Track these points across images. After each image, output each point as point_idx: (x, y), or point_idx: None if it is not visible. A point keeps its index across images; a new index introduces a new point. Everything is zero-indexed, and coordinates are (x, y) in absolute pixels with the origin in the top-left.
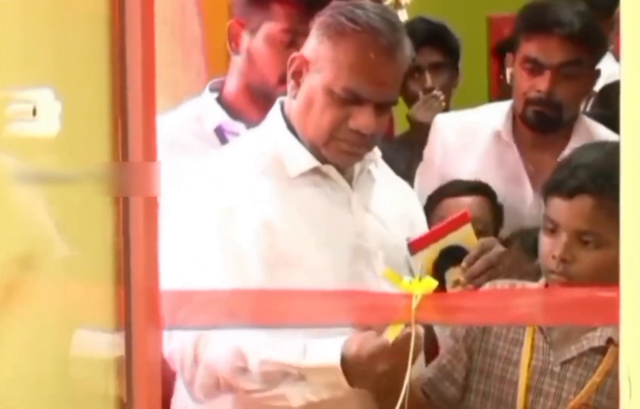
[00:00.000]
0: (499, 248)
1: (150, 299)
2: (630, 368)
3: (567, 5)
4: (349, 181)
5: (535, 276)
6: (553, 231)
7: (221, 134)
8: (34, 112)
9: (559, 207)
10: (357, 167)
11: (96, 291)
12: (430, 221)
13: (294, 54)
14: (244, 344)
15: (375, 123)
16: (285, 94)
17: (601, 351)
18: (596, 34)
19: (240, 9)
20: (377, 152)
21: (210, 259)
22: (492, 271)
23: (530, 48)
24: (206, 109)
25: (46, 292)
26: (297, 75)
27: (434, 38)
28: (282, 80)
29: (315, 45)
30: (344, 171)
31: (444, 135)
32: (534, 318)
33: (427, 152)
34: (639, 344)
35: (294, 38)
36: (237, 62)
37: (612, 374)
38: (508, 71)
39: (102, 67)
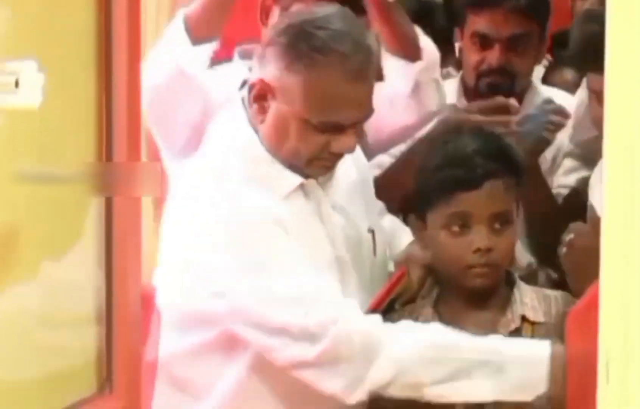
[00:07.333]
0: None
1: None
2: (609, 353)
3: None
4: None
5: None
6: (463, 226)
7: None
8: (17, 84)
9: (469, 199)
10: None
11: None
12: None
13: (252, 80)
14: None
15: (358, 141)
16: None
17: (518, 332)
18: (543, 6)
19: None
20: None
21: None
22: None
23: (478, 23)
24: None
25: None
26: (261, 99)
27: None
28: None
29: (277, 74)
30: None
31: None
32: None
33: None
34: (618, 332)
35: None
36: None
37: None
38: (457, 45)
39: (88, 68)
